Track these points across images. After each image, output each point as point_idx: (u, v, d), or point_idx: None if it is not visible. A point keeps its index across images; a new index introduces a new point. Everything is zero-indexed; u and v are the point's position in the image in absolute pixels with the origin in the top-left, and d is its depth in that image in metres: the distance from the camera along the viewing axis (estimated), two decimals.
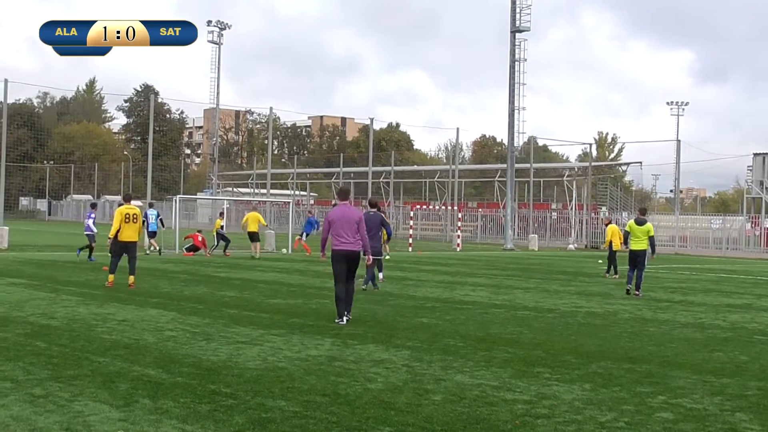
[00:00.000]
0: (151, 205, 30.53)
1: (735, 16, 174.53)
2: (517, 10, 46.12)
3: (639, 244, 17.82)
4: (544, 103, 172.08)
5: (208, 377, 7.66)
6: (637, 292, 17.51)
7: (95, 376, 7.60)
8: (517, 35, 46.48)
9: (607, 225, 26.24)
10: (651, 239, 17.77)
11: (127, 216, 16.29)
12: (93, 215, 26.04)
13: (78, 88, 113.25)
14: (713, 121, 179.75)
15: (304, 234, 33.16)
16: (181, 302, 13.98)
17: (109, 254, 16.98)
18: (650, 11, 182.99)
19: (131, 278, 16.32)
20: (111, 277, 16.41)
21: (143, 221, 24.97)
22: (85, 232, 25.36)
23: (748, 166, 60.43)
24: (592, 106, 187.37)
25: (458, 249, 40.96)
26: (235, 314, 12.50)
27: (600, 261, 33.62)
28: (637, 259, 17.74)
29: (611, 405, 6.99)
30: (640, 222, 18.11)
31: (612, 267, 23.76)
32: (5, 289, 15.41)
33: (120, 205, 17.07)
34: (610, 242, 24.03)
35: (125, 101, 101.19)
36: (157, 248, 28.72)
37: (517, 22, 46.24)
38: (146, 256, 26.72)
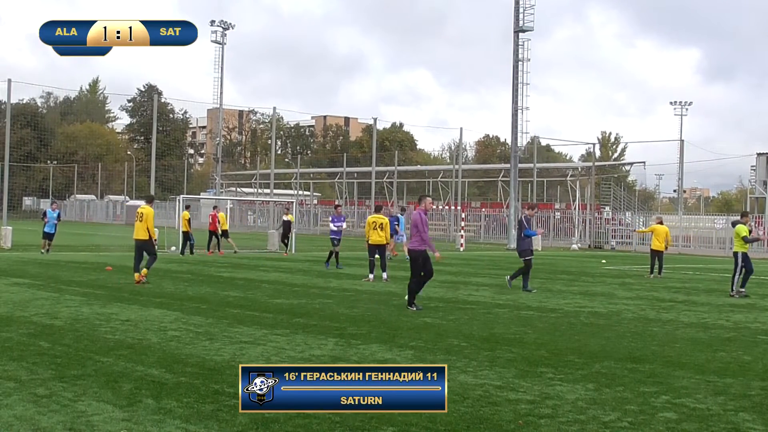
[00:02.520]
0: (54, 205, 30.73)
1: (744, 13, 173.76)
2: (521, 9, 46.07)
3: (736, 247, 18.61)
4: (549, 103, 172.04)
5: (211, 377, 7.67)
6: (732, 293, 18.04)
7: (99, 375, 7.62)
8: (521, 35, 46.43)
9: (659, 223, 24.98)
10: (744, 239, 18.34)
11: (137, 215, 17.58)
12: (340, 220, 24.58)
13: (81, 88, 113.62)
14: (720, 120, 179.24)
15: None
16: (185, 302, 13.99)
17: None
18: (657, 9, 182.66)
19: (136, 275, 17.18)
20: (138, 274, 17.32)
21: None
22: (331, 236, 24.31)
23: (752, 166, 60.32)
24: (597, 105, 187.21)
25: (462, 249, 40.94)
26: (238, 314, 12.51)
27: (603, 261, 33.58)
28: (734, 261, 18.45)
29: (614, 405, 6.99)
30: (734, 224, 18.92)
31: (652, 267, 23.71)
32: (9, 289, 15.45)
33: None
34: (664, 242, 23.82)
35: (128, 101, 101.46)
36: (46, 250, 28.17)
37: (521, 22, 46.18)
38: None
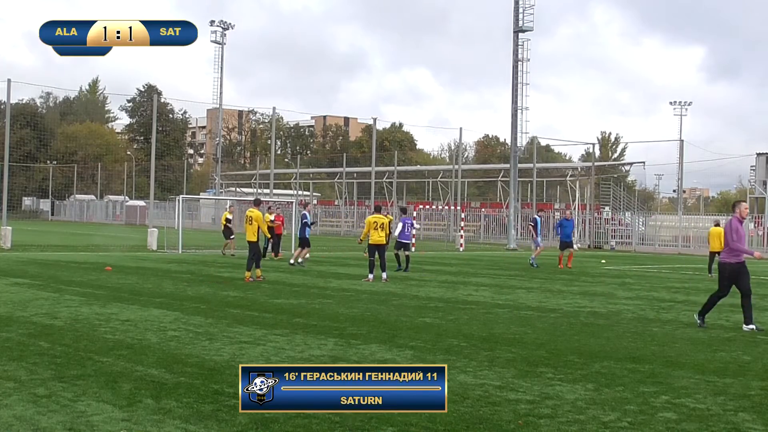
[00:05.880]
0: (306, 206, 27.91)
1: (749, 11, 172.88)
2: (520, 9, 46.06)
3: None
4: (551, 101, 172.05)
5: (211, 377, 7.67)
6: None
7: (98, 376, 7.62)
8: (520, 35, 46.43)
9: (716, 226, 25.03)
10: None
11: (247, 218, 19.26)
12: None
13: (81, 88, 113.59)
14: (723, 119, 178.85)
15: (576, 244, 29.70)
16: (184, 302, 13.99)
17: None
18: (662, 7, 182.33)
19: (246, 273, 18.54)
20: (247, 273, 18.60)
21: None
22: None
23: (752, 166, 60.37)
24: (599, 104, 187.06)
25: (461, 249, 40.96)
26: (238, 314, 12.51)
27: (603, 261, 33.59)
28: None
29: (614, 405, 6.99)
30: None
31: (710, 267, 24.23)
32: (9, 289, 15.44)
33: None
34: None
35: (128, 101, 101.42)
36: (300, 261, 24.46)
37: (520, 22, 46.16)
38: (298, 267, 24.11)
